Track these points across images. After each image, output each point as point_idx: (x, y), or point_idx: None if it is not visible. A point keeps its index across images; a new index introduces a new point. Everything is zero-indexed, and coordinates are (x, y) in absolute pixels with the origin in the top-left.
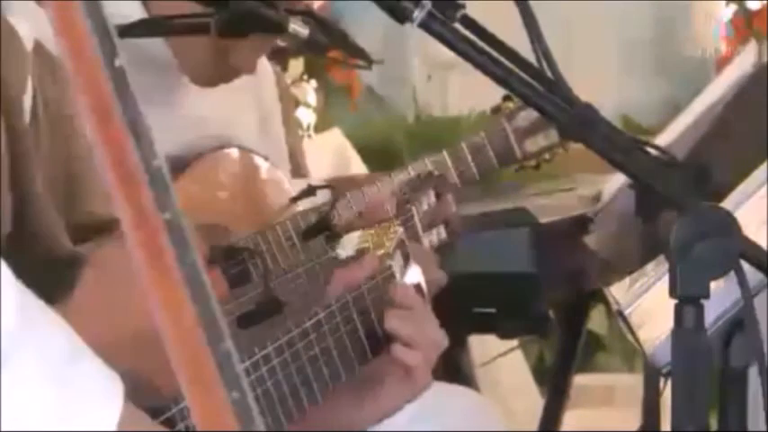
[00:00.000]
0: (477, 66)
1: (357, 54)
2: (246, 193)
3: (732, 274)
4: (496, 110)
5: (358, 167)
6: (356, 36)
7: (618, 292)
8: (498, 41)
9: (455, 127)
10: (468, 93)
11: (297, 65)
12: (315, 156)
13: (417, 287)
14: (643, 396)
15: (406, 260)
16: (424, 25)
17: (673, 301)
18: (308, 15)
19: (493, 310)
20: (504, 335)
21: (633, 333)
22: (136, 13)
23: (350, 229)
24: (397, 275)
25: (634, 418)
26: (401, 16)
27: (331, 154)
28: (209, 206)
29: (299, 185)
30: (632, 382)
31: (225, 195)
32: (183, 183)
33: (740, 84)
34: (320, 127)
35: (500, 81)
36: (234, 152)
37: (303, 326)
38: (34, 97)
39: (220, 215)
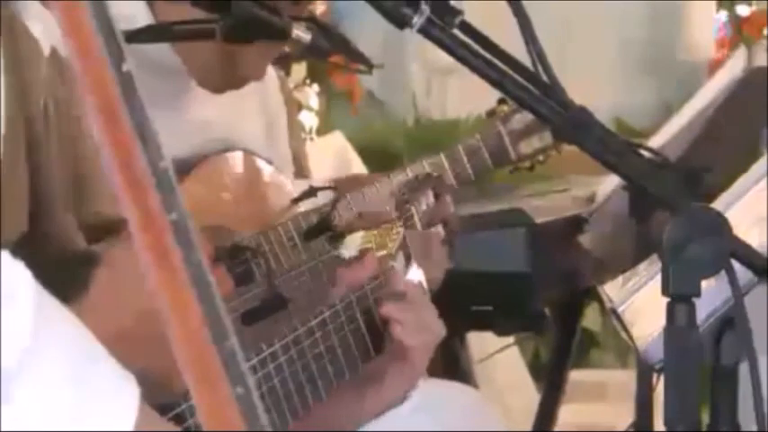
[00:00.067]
0: (474, 70)
1: (358, 59)
2: (249, 195)
3: (723, 273)
4: (491, 113)
5: (359, 170)
6: (356, 41)
7: (611, 290)
8: (495, 46)
9: (453, 130)
10: (467, 97)
11: (299, 69)
12: (317, 158)
13: (419, 285)
14: (636, 392)
15: (408, 260)
16: (423, 31)
17: (665, 300)
18: (310, 21)
19: (490, 308)
20: (501, 332)
21: (626, 330)
22: (141, 13)
23: (350, 229)
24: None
25: (627, 413)
26: (400, 22)
27: (332, 156)
28: (213, 208)
29: (301, 187)
30: (625, 379)
31: (228, 197)
32: (187, 185)
33: (731, 87)
34: (322, 130)
35: (496, 84)
36: (238, 155)
37: (309, 324)
38: (45, 98)
39: (224, 217)
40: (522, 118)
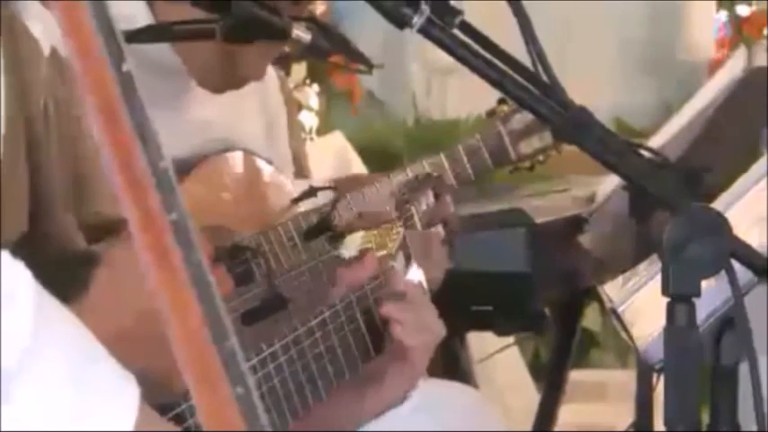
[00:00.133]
0: (474, 70)
1: (358, 59)
2: (249, 195)
3: (723, 273)
4: (491, 113)
5: (359, 170)
6: (356, 41)
7: (611, 290)
8: (495, 46)
9: (453, 130)
10: (467, 97)
11: (299, 69)
12: (317, 158)
13: (419, 285)
14: (636, 392)
15: (408, 260)
16: (423, 31)
17: (665, 300)
18: (310, 21)
19: (490, 308)
20: (501, 332)
21: (626, 330)
22: (141, 13)
23: (350, 229)
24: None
25: (627, 413)
26: (400, 22)
27: (332, 156)
28: (213, 208)
29: (301, 187)
30: (625, 378)
31: (228, 197)
32: (187, 185)
33: (730, 87)
34: (322, 130)
35: (496, 84)
36: (238, 155)
37: (309, 324)
38: (45, 98)
39: (224, 217)
40: (522, 118)
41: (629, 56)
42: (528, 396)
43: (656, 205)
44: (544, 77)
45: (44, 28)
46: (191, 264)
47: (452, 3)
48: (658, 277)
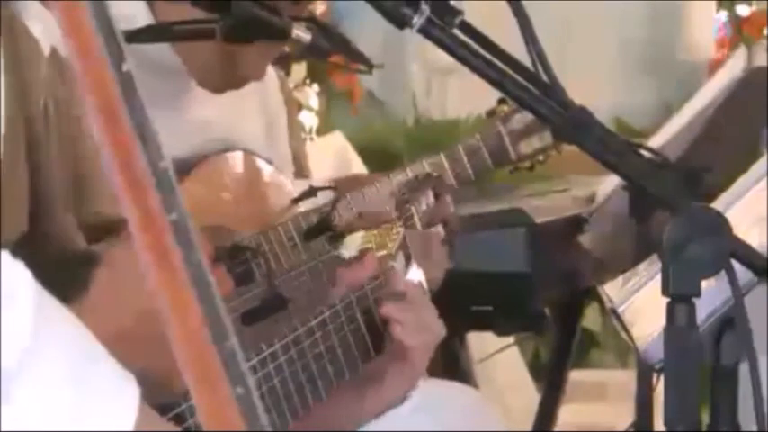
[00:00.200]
0: (474, 70)
1: (358, 59)
2: (249, 195)
3: (723, 273)
4: (491, 113)
5: (359, 170)
6: (356, 41)
7: (611, 290)
8: (495, 46)
9: (453, 130)
10: (467, 97)
11: (299, 69)
12: (317, 158)
13: (419, 285)
14: (636, 392)
15: (408, 260)
16: (423, 31)
17: (665, 300)
18: (310, 21)
19: (490, 308)
20: (501, 332)
21: (626, 330)
22: (141, 13)
23: (350, 229)
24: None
25: (627, 413)
26: (400, 22)
27: (332, 156)
28: (213, 208)
29: (301, 187)
30: (625, 378)
31: (228, 197)
32: (187, 185)
33: (730, 87)
34: (322, 130)
35: (496, 84)
36: (238, 155)
37: (309, 324)
38: (45, 98)
39: (224, 217)
40: (522, 118)
41: (629, 56)
42: (528, 396)
43: (656, 205)
44: (544, 77)
45: (44, 28)
46: (191, 264)
47: (452, 3)
48: (658, 277)
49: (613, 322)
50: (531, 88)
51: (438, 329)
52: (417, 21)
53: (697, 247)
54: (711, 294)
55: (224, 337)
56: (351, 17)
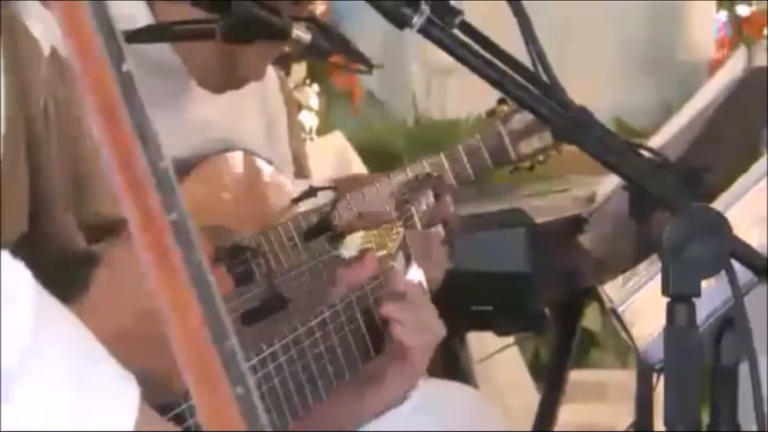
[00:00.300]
0: (474, 70)
1: (358, 59)
2: (249, 195)
3: (723, 273)
4: (491, 113)
5: (359, 170)
6: (356, 41)
7: (611, 290)
8: (495, 46)
9: (453, 130)
10: (467, 97)
11: (299, 69)
12: (317, 158)
13: (419, 285)
14: (636, 392)
15: (408, 260)
16: (423, 31)
17: (665, 300)
18: (310, 21)
19: (490, 308)
20: (501, 332)
21: (626, 330)
22: (141, 13)
23: (350, 229)
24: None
25: (627, 413)
26: (400, 22)
27: (332, 156)
28: (213, 208)
29: (301, 187)
30: (625, 378)
31: (228, 197)
32: (187, 185)
33: (730, 87)
34: (322, 130)
35: (496, 84)
36: (238, 155)
37: (309, 324)
38: (45, 98)
39: (224, 217)
40: (522, 118)
41: (629, 56)
42: (528, 396)
43: (656, 205)
44: (544, 77)
45: (44, 28)
46: (191, 264)
47: (452, 3)
48: (658, 277)
49: (613, 322)
50: (531, 88)
51: (438, 329)
52: (417, 21)
53: (697, 247)
54: (711, 294)
55: (224, 337)
56: (351, 17)
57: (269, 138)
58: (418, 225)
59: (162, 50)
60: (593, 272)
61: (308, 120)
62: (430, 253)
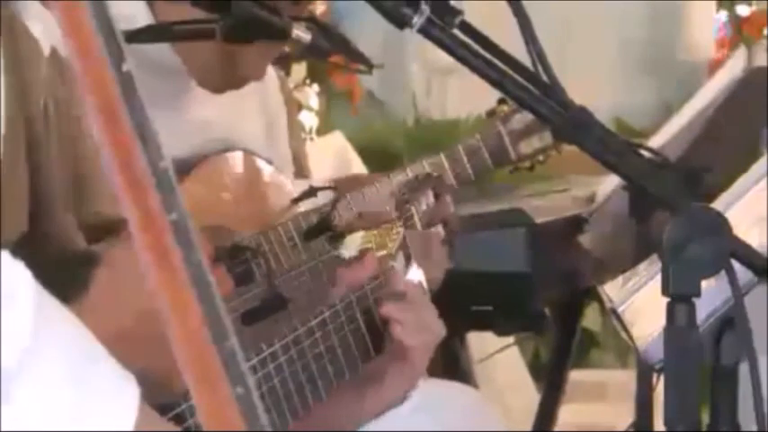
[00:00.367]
0: (474, 70)
1: (358, 59)
2: (249, 195)
3: (723, 273)
4: (491, 113)
5: (359, 169)
6: (356, 41)
7: (611, 290)
8: (495, 46)
9: (453, 130)
10: (467, 97)
11: (299, 69)
12: (317, 158)
13: (419, 286)
14: (636, 392)
15: (408, 260)
16: (423, 31)
17: (665, 300)
18: (310, 21)
19: (490, 308)
20: (501, 332)
21: (626, 330)
22: (141, 13)
23: (350, 229)
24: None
25: (627, 413)
26: (400, 22)
27: (332, 156)
28: (213, 208)
29: (301, 187)
30: (625, 378)
31: (228, 197)
32: (187, 185)
33: (731, 87)
34: (322, 130)
35: (496, 84)
36: (238, 155)
37: (309, 324)
38: (45, 98)
39: (224, 217)
40: (522, 118)
41: (629, 56)
42: (528, 396)
43: (656, 205)
44: (544, 77)
45: (44, 28)
46: (191, 264)
47: (452, 3)
48: (658, 277)
49: (613, 322)
50: (531, 88)
51: (438, 329)
52: (417, 21)
53: (697, 247)
54: (711, 294)
55: (224, 337)
56: (351, 17)
57: (269, 138)
58: (418, 225)
59: (162, 50)
60: (593, 272)
61: (308, 120)
62: (430, 253)
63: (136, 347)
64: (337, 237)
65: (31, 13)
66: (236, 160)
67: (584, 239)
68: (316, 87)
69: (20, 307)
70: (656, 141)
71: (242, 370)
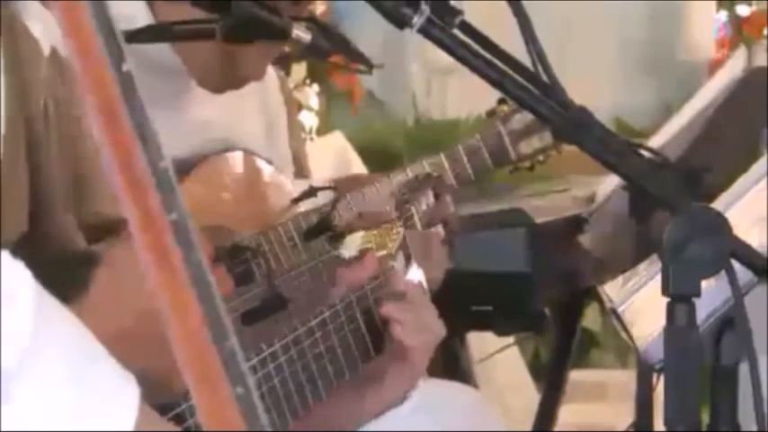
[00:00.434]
0: (474, 70)
1: (358, 59)
2: (249, 195)
3: (723, 273)
4: (491, 113)
5: (359, 169)
6: (356, 41)
7: (611, 290)
8: (495, 46)
9: (453, 130)
10: (467, 97)
11: (299, 69)
12: (317, 158)
13: (419, 285)
14: (636, 392)
15: (408, 260)
16: (423, 31)
17: (665, 300)
18: (310, 21)
19: (490, 308)
20: (501, 332)
21: (626, 330)
22: (141, 13)
23: (350, 229)
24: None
25: (627, 413)
26: (401, 22)
27: (332, 156)
28: (213, 208)
29: (301, 187)
30: (625, 378)
31: (228, 197)
32: (187, 185)
33: (730, 87)
34: (322, 130)
35: (496, 84)
36: (238, 155)
37: (309, 324)
38: (45, 98)
39: (224, 217)
40: (522, 118)
41: (629, 56)
42: (528, 396)
43: (656, 205)
44: (544, 77)
45: (44, 28)
46: (191, 264)
47: (452, 3)
48: (658, 277)
49: (613, 322)
50: (531, 88)
51: (438, 329)
52: (417, 21)
53: (697, 247)
54: (711, 294)
55: (224, 337)
56: (351, 17)
57: (269, 138)
58: (418, 225)
59: (162, 50)
60: (593, 272)
61: (309, 120)
62: (430, 253)
63: (136, 347)
64: (337, 237)
65: (31, 14)
66: (236, 160)
67: (585, 239)
68: (316, 87)
69: (20, 307)
70: (656, 141)
71: (242, 370)
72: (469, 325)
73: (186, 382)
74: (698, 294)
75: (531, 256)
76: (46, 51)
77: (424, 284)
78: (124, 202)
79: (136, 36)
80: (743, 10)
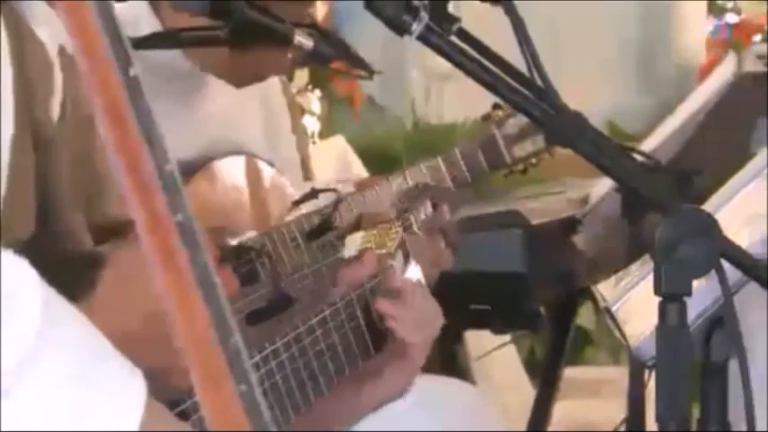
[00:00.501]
0: (471, 75)
1: (359, 65)
2: (252, 197)
3: (713, 273)
4: (486, 117)
5: (359, 172)
6: (357, 48)
7: (605, 289)
8: (492, 52)
9: (450, 134)
10: (464, 102)
11: (302, 75)
12: (319, 161)
13: (417, 282)
14: (628, 388)
15: (407, 259)
16: (421, 38)
17: (657, 299)
18: (312, 28)
19: (487, 307)
20: (498, 330)
21: (619, 328)
22: (146, 19)
23: (351, 230)
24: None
25: (620, 409)
26: (400, 29)
27: (334, 159)
28: (216, 210)
29: (305, 189)
30: (618, 375)
31: (231, 200)
32: (191, 188)
33: (721, 92)
34: (324, 134)
35: (491, 88)
36: (240, 158)
37: (310, 322)
38: (64, 98)
39: (227, 219)
40: (517, 122)
41: (621, 60)
42: (524, 393)
43: (647, 207)
44: (538, 81)
45: (51, 32)
46: (197, 265)
47: (449, 10)
48: (650, 277)
49: (607, 321)
50: (525, 92)
51: (437, 322)
52: (416, 28)
53: (688, 247)
54: (702, 294)
55: (229, 337)
56: (352, 21)
57: (270, 140)
58: (417, 233)
59: (168, 53)
60: (587, 272)
61: (311, 124)
62: (424, 251)
63: (142, 348)
64: (338, 237)
65: (39, 20)
66: (239, 163)
67: (579, 240)
68: (318, 93)
69: (24, 306)
70: (648, 145)
71: (246, 368)
72: (467, 323)
73: (191, 380)
74: (689, 294)
75: (526, 256)
76: (53, 55)
77: (424, 282)
78: (131, 205)
79: (143, 43)
80: (732, 17)
